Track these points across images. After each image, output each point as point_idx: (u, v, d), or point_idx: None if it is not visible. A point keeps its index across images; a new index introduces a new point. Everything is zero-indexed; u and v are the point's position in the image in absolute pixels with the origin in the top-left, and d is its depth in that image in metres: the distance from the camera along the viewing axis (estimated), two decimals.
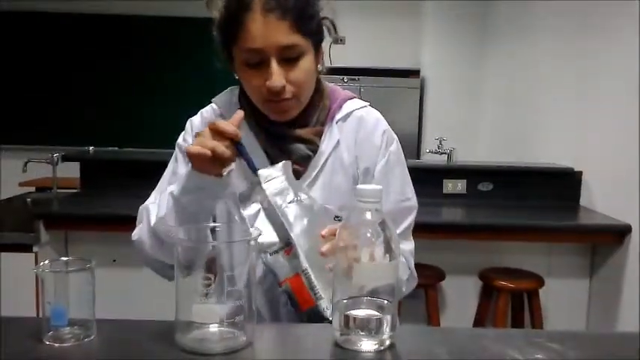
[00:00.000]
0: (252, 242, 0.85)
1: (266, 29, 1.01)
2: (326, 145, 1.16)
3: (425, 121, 5.12)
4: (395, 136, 1.23)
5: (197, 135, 0.99)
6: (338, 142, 1.17)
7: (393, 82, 5.03)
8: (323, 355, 0.83)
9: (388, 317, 0.84)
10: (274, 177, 1.02)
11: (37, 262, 2.51)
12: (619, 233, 2.65)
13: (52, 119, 5.63)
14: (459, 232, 2.71)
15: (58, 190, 3.14)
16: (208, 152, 0.95)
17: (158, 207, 1.08)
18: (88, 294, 0.83)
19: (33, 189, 3.95)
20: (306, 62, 1.07)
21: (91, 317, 0.84)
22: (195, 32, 5.51)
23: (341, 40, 1.23)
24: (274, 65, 1.03)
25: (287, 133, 1.14)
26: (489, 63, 4.77)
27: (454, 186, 3.13)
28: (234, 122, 0.98)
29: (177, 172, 1.17)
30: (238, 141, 0.97)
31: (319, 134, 1.17)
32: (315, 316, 0.99)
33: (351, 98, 1.23)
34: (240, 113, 1.00)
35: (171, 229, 0.98)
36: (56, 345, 0.81)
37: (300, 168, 1.14)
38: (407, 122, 4.94)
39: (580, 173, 3.08)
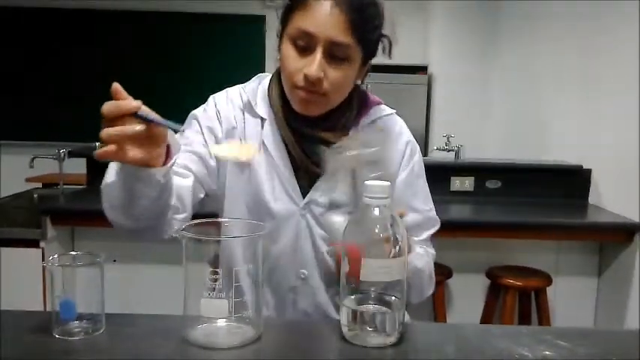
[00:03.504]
0: (260, 238, 0.85)
1: (327, 18, 0.99)
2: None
3: (432, 118, 5.10)
4: (417, 147, 1.23)
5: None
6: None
7: (401, 79, 5.00)
8: (331, 351, 0.83)
9: (396, 313, 0.84)
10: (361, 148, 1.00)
11: (43, 258, 2.52)
12: (628, 231, 2.64)
13: (58, 115, 5.64)
14: (467, 229, 2.70)
15: (65, 186, 3.15)
16: (113, 147, 0.82)
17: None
18: (97, 288, 0.83)
19: (39, 185, 3.96)
20: (350, 68, 1.05)
21: (99, 311, 0.84)
22: (204, 29, 5.56)
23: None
24: (318, 55, 1.01)
25: (312, 133, 1.12)
26: (497, 60, 4.75)
27: (462, 183, 3.12)
28: (116, 96, 0.85)
29: (185, 133, 1.14)
30: (135, 112, 0.83)
31: (344, 136, 1.13)
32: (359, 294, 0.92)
33: (379, 104, 1.22)
34: (115, 85, 0.86)
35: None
36: (65, 339, 0.81)
37: (319, 170, 1.12)
38: (414, 119, 4.91)
39: (589, 171, 3.06)
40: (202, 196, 1.11)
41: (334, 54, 1.02)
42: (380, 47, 1.11)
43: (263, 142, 1.14)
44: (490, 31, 4.78)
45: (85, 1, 5.50)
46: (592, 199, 3.04)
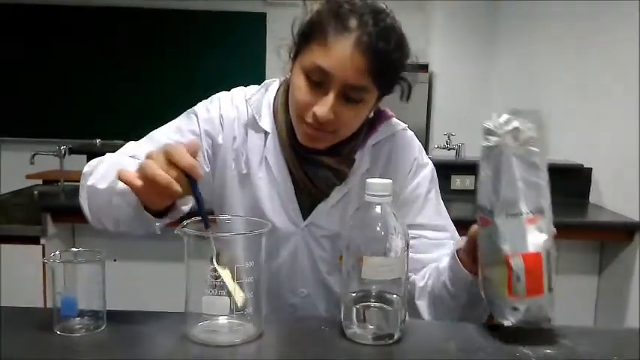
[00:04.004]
0: (263, 235, 0.84)
1: (347, 60, 0.92)
2: (355, 175, 1.10)
3: (433, 116, 5.10)
4: (428, 162, 1.18)
5: (148, 156, 0.83)
6: (367, 170, 1.11)
7: None
8: (331, 348, 0.82)
9: (397, 311, 0.84)
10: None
11: (44, 255, 2.52)
12: (628, 230, 2.64)
13: (59, 112, 5.64)
14: (467, 228, 2.69)
15: (65, 183, 3.15)
16: (138, 183, 0.81)
17: (110, 167, 0.97)
18: (98, 285, 0.83)
19: (40, 181, 3.95)
20: (363, 109, 1.01)
21: (101, 308, 0.84)
22: (204, 27, 5.55)
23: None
24: (332, 96, 0.95)
25: (317, 158, 1.07)
26: (498, 59, 4.74)
27: (462, 182, 3.12)
28: (191, 151, 0.82)
29: (182, 128, 1.09)
30: (193, 177, 0.81)
31: (350, 164, 1.10)
32: (531, 311, 0.80)
33: (389, 118, 1.16)
34: (194, 142, 0.85)
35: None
36: (66, 335, 0.81)
37: (320, 193, 1.10)
38: (415, 117, 4.91)
39: (590, 170, 3.06)
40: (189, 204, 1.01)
41: (349, 95, 0.96)
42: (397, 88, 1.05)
43: (265, 159, 1.10)
44: (490, 31, 4.78)
45: None
46: (592, 197, 3.04)
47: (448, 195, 3.11)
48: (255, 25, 5.47)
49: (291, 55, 1.03)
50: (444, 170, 3.13)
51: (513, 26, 4.48)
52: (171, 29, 5.59)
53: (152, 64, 5.62)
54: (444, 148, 3.44)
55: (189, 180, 0.81)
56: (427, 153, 1.22)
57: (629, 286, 2.64)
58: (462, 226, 2.99)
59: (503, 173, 0.81)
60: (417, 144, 1.18)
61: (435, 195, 1.17)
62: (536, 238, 0.80)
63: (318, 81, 0.96)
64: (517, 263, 0.78)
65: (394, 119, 1.17)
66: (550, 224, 0.81)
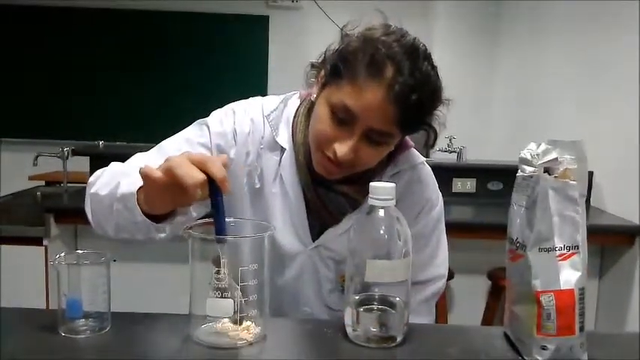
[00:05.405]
0: (266, 238, 0.85)
1: (376, 107, 0.90)
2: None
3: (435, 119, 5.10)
4: (438, 202, 1.17)
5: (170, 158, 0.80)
6: None
7: None
8: (335, 351, 0.83)
9: (399, 314, 0.84)
10: None
11: (46, 256, 2.53)
12: (629, 234, 2.64)
13: (62, 113, 5.64)
14: (468, 231, 2.70)
15: (68, 184, 3.16)
16: (157, 174, 0.79)
17: (111, 176, 0.98)
18: (103, 286, 0.84)
19: (43, 183, 3.96)
20: (385, 149, 1.00)
21: (105, 310, 0.84)
22: (205, 29, 5.55)
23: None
24: (355, 138, 0.94)
25: (333, 185, 1.06)
26: (500, 62, 4.75)
27: (464, 185, 3.12)
28: (224, 165, 0.80)
29: (193, 140, 1.07)
30: (223, 190, 0.79)
31: (365, 193, 1.05)
32: (561, 351, 0.77)
33: (409, 148, 1.13)
34: (226, 158, 0.83)
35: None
36: (71, 337, 0.82)
37: (332, 218, 1.09)
38: None
39: (591, 173, 3.06)
40: (195, 214, 0.98)
41: (373, 138, 0.95)
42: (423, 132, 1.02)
43: (280, 175, 1.08)
44: (493, 35, 4.78)
45: (87, 0, 5.50)
46: (594, 201, 3.04)
47: (449, 198, 3.13)
48: (257, 28, 5.46)
49: (319, 79, 1.01)
50: (446, 173, 3.15)
51: (516, 28, 4.48)
52: (174, 31, 5.58)
53: (154, 66, 5.61)
54: (445, 151, 3.45)
55: (213, 195, 0.80)
56: (428, 156, 1.22)
57: (629, 290, 2.64)
58: (463, 229, 2.98)
59: (538, 206, 0.78)
60: (433, 181, 1.17)
61: (438, 235, 1.17)
62: (570, 275, 0.76)
63: (343, 119, 0.94)
64: (548, 300, 0.76)
65: (413, 150, 1.15)
66: (585, 261, 0.77)
